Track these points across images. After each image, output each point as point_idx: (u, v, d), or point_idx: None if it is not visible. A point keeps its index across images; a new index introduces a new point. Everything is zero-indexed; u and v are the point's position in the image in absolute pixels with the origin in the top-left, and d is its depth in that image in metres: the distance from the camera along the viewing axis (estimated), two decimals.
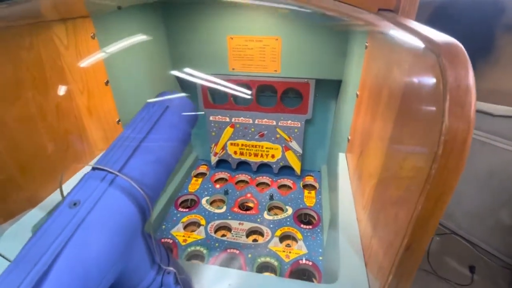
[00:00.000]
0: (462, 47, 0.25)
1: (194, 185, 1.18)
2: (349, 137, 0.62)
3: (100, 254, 0.24)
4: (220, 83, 1.03)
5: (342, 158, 0.65)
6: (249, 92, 1.06)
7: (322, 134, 1.16)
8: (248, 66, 1.00)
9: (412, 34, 0.31)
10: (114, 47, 0.72)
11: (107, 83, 0.68)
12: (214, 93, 1.15)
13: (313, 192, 1.13)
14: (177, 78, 1.12)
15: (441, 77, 0.23)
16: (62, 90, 0.56)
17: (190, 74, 1.06)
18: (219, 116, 1.13)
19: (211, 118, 1.14)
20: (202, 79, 1.05)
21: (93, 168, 0.30)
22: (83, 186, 0.29)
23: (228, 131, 1.15)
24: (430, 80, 0.25)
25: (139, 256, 0.30)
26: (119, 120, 0.74)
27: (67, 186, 0.30)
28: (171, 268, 0.33)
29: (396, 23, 0.38)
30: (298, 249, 0.91)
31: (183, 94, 0.43)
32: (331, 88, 1.05)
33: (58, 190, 0.44)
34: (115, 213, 0.27)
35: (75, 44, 0.59)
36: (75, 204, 0.26)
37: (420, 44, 0.28)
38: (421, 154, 0.26)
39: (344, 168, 0.62)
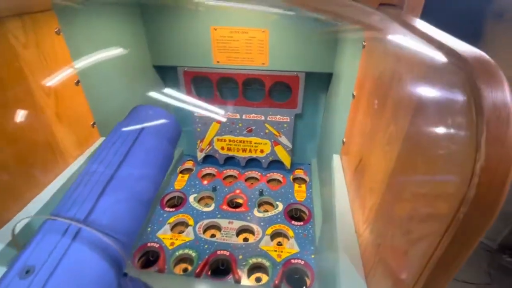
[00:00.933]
0: (493, 62, 0.21)
1: (181, 181, 1.13)
2: (344, 140, 0.59)
3: None
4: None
5: (336, 160, 0.61)
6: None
7: (312, 128, 1.12)
8: (234, 59, 0.93)
9: (427, 41, 0.27)
10: (83, 43, 0.64)
11: (77, 83, 0.61)
12: (198, 87, 1.08)
13: (303, 185, 1.11)
14: (158, 72, 1.04)
15: (473, 104, 0.19)
16: (22, 95, 0.49)
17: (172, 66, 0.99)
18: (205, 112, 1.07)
19: (196, 113, 1.08)
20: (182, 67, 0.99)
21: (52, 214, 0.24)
22: (38, 244, 0.22)
23: (215, 126, 1.10)
24: (456, 103, 0.21)
25: None
26: (94, 123, 0.67)
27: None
28: None
29: (403, 24, 0.34)
30: (290, 248, 0.89)
31: (161, 110, 0.37)
32: (321, 80, 1.00)
33: (23, 210, 0.38)
34: (82, 276, 0.22)
35: (36, 42, 0.51)
36: (27, 271, 0.21)
37: (439, 56, 0.24)
38: (443, 185, 0.23)
39: (339, 172, 0.59)
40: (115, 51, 0.77)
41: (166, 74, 1.07)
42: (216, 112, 1.06)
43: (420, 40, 0.28)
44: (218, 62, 0.94)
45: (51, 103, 0.55)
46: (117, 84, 0.79)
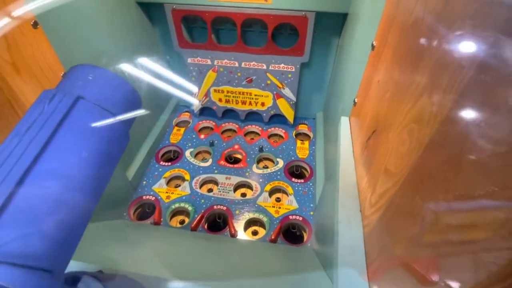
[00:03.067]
0: None
1: (176, 135, 1.07)
2: (356, 100, 0.50)
3: None
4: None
5: (345, 123, 0.53)
6: None
7: (320, 79, 1.00)
8: None
9: None
10: None
11: (35, 25, 0.50)
12: (190, 28, 0.94)
13: (306, 142, 1.04)
14: (144, 10, 0.89)
15: None
16: None
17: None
18: (199, 58, 0.95)
19: (189, 60, 0.96)
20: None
21: None
22: None
23: (211, 76, 0.99)
24: None
25: None
26: (65, 73, 0.58)
27: None
28: None
29: None
30: (289, 204, 0.86)
31: (108, 72, 0.27)
32: (334, 23, 0.86)
33: None
34: None
35: None
36: None
37: None
38: None
39: (347, 138, 0.51)
40: None
41: (153, 13, 0.93)
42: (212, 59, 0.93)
43: None
44: None
45: (3, 52, 0.46)
46: (91, 25, 0.67)
